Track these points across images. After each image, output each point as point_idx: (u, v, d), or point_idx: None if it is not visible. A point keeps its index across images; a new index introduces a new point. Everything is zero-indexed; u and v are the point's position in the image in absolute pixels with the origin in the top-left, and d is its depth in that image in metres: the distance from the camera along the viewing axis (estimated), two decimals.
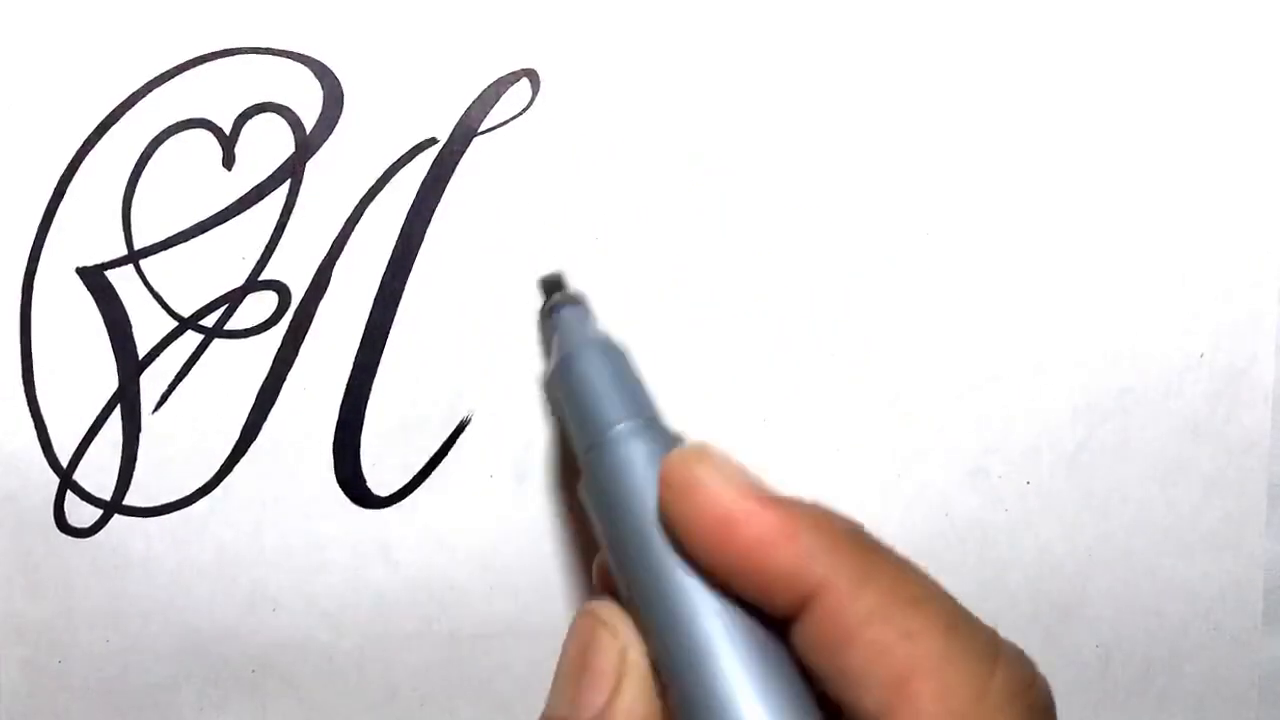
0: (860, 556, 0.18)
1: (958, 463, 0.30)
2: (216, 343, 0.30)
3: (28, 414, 0.30)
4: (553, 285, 0.28)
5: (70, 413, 0.30)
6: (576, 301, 0.27)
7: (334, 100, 0.29)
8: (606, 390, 0.23)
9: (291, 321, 0.30)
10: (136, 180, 0.29)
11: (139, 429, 0.30)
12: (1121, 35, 0.30)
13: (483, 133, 0.29)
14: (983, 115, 0.30)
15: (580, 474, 0.22)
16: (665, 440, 0.22)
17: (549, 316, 0.27)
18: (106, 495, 0.30)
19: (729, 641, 0.18)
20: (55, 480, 0.30)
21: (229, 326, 0.30)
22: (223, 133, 0.29)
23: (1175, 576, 0.31)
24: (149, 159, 0.29)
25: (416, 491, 0.30)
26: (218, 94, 0.29)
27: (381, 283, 0.30)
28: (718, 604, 0.19)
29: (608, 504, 0.21)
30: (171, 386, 0.30)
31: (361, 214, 0.29)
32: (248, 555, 0.30)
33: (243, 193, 0.29)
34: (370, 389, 0.30)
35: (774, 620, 0.19)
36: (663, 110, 0.30)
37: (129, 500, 0.30)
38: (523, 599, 0.30)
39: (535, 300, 0.29)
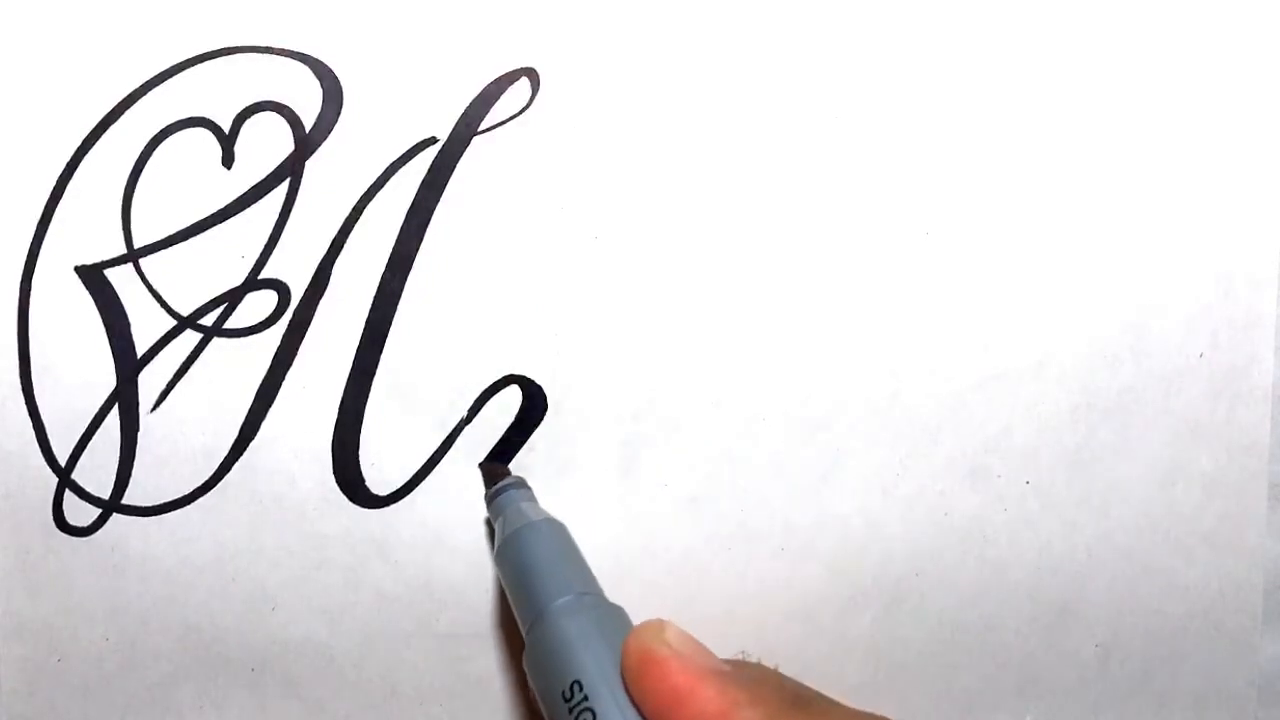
0: None
1: (958, 463, 0.30)
2: (215, 342, 0.30)
3: (26, 413, 0.30)
4: (494, 471, 0.30)
5: (69, 411, 0.30)
6: (518, 484, 0.29)
7: (333, 99, 0.29)
8: (546, 568, 0.25)
9: (291, 321, 0.30)
10: (136, 179, 0.29)
11: (137, 428, 0.30)
12: (1121, 35, 0.30)
13: (482, 132, 0.29)
14: (982, 115, 0.30)
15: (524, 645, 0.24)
16: (602, 611, 0.24)
17: (493, 500, 0.28)
18: (105, 494, 0.30)
19: None
20: (54, 479, 0.30)
21: (228, 325, 0.30)
22: (222, 131, 0.29)
23: (1175, 576, 0.31)
24: (148, 158, 0.29)
25: (415, 491, 0.30)
26: (217, 93, 0.29)
27: (381, 282, 0.30)
28: None
29: (548, 673, 0.23)
30: (170, 385, 0.30)
31: (361, 213, 0.29)
32: (246, 554, 0.30)
33: (242, 191, 0.29)
34: (369, 388, 0.30)
35: None
36: (663, 110, 0.29)
37: (128, 499, 0.30)
38: None
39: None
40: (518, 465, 0.30)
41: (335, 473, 0.30)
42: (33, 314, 0.30)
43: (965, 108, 0.30)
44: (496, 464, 0.30)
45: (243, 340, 0.30)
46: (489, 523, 0.30)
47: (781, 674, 0.23)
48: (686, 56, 0.29)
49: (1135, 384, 0.31)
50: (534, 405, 0.30)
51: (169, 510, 0.30)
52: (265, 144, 0.29)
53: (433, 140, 0.29)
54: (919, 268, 0.30)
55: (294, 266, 0.30)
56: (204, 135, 0.29)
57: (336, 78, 0.29)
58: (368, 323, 0.30)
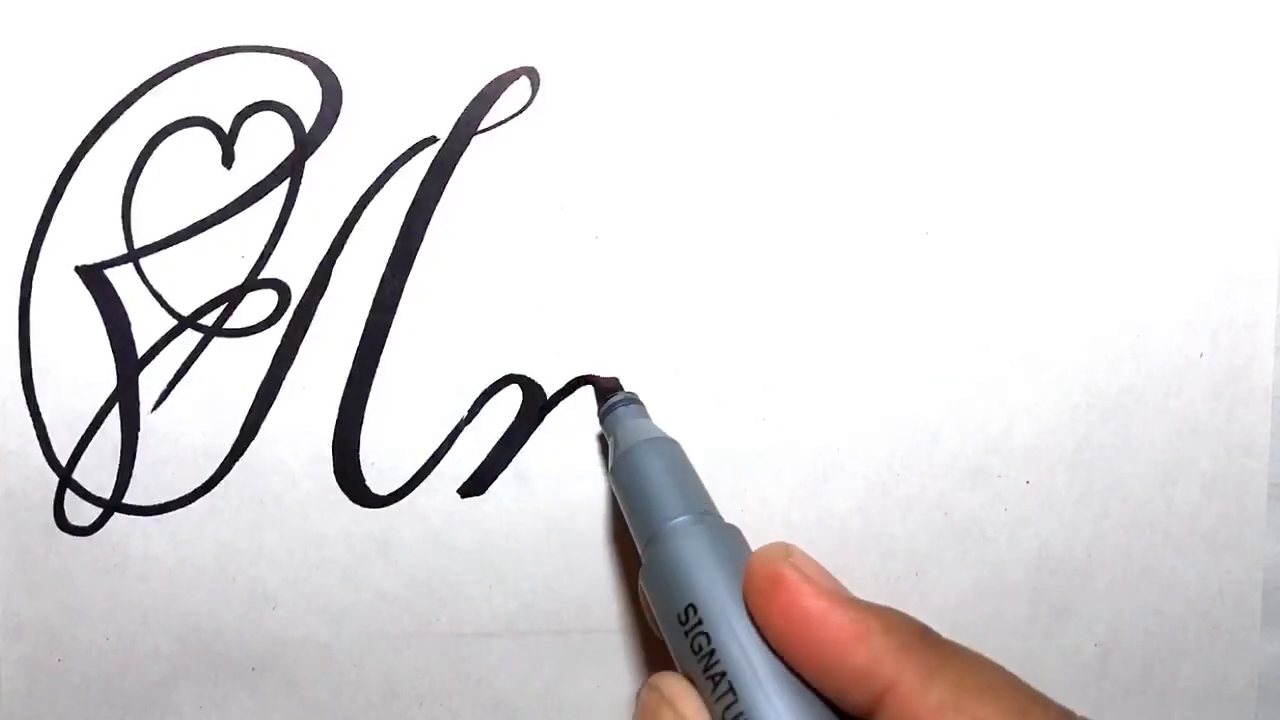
0: (927, 653, 0.19)
1: (958, 462, 0.30)
2: (216, 341, 0.30)
3: (27, 413, 0.30)
4: (605, 385, 0.29)
5: (69, 411, 0.30)
6: (631, 400, 0.28)
7: (333, 98, 0.29)
8: (663, 485, 0.25)
9: (291, 320, 0.30)
10: (136, 179, 0.29)
11: (138, 428, 0.30)
12: (1121, 36, 0.30)
13: (482, 131, 0.29)
14: (982, 115, 0.30)
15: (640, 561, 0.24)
16: (720, 531, 0.23)
17: (607, 415, 0.28)
18: (106, 494, 0.30)
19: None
20: (54, 479, 0.30)
21: (228, 325, 0.30)
22: (222, 131, 0.29)
23: (1174, 576, 0.31)
24: (148, 157, 0.29)
25: (415, 490, 0.30)
26: (217, 92, 0.29)
27: (381, 282, 0.30)
28: (794, 688, 0.20)
29: (681, 578, 0.22)
30: (171, 385, 0.30)
31: (361, 212, 0.29)
32: (247, 554, 0.30)
33: (242, 191, 0.29)
34: (369, 388, 0.30)
35: (849, 717, 0.20)
36: (663, 110, 0.29)
37: (128, 499, 0.30)
38: (522, 599, 0.30)
39: (588, 401, 0.30)
40: (517, 465, 0.30)
41: (335, 473, 0.30)
42: (33, 314, 0.30)
43: (965, 108, 0.30)
44: (609, 377, 0.29)
45: (243, 340, 0.30)
46: (601, 438, 0.30)
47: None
48: (686, 56, 0.29)
49: (1135, 384, 0.31)
50: (534, 405, 0.30)
51: (169, 510, 0.30)
52: (265, 143, 0.29)
53: (433, 140, 0.29)
54: (919, 268, 0.30)
55: (294, 266, 0.30)
56: (204, 135, 0.29)
57: (336, 77, 0.29)
58: (368, 322, 0.30)
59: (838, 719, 0.20)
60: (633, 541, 0.29)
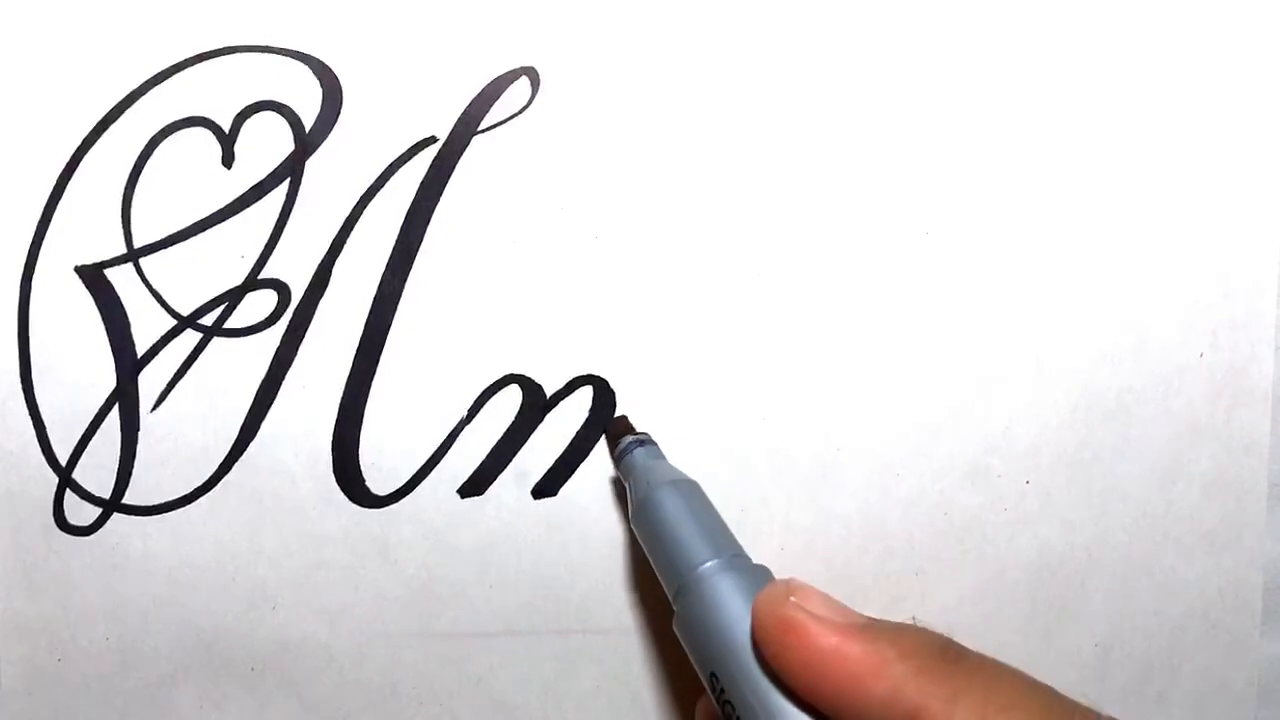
0: (950, 673, 0.19)
1: (958, 462, 0.30)
2: (215, 341, 0.30)
3: (26, 413, 0.30)
4: (618, 427, 0.29)
5: (69, 411, 0.30)
6: (645, 441, 0.28)
7: (333, 98, 0.29)
8: (687, 530, 0.24)
9: (291, 320, 0.30)
10: (136, 178, 0.29)
11: (138, 427, 0.30)
12: (1121, 36, 0.30)
13: (482, 131, 0.29)
14: (982, 115, 0.30)
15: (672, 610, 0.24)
16: (748, 574, 0.23)
17: (622, 459, 0.28)
18: (105, 494, 0.30)
19: None
20: (54, 479, 0.30)
21: (228, 325, 0.30)
22: (222, 131, 0.29)
23: (1174, 576, 0.31)
24: (148, 157, 0.29)
25: (415, 491, 0.30)
26: (217, 92, 0.29)
27: (381, 282, 0.30)
28: None
29: (702, 641, 0.22)
30: (170, 385, 0.30)
31: (361, 213, 0.29)
32: (246, 554, 0.30)
33: (242, 191, 0.29)
34: (369, 388, 0.30)
35: None
36: (663, 110, 0.29)
37: (128, 499, 0.30)
38: (522, 599, 0.30)
39: (605, 440, 0.30)
40: (517, 465, 0.30)
41: (335, 473, 0.30)
42: (33, 314, 0.30)
43: (965, 108, 0.30)
44: (620, 418, 0.29)
45: (243, 340, 0.30)
46: (616, 482, 0.30)
47: (923, 625, 0.21)
48: (687, 56, 0.29)
49: (1135, 384, 0.31)
50: (534, 405, 0.30)
51: (169, 510, 0.30)
52: (265, 143, 0.29)
53: (432, 140, 0.29)
54: (919, 268, 0.30)
55: (294, 266, 0.30)
56: (204, 135, 0.29)
57: (336, 77, 0.29)
58: (368, 323, 0.30)
59: None
60: (632, 542, 0.29)
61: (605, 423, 0.30)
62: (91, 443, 0.30)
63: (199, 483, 0.30)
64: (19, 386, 0.30)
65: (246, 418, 0.30)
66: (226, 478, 0.30)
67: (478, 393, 0.30)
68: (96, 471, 0.30)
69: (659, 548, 0.25)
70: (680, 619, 0.23)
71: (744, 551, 0.24)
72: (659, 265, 0.30)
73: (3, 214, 0.29)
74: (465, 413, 0.30)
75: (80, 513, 0.30)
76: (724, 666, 0.21)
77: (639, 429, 0.29)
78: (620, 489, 0.30)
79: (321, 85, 0.29)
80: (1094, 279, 0.30)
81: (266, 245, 0.29)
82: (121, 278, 0.30)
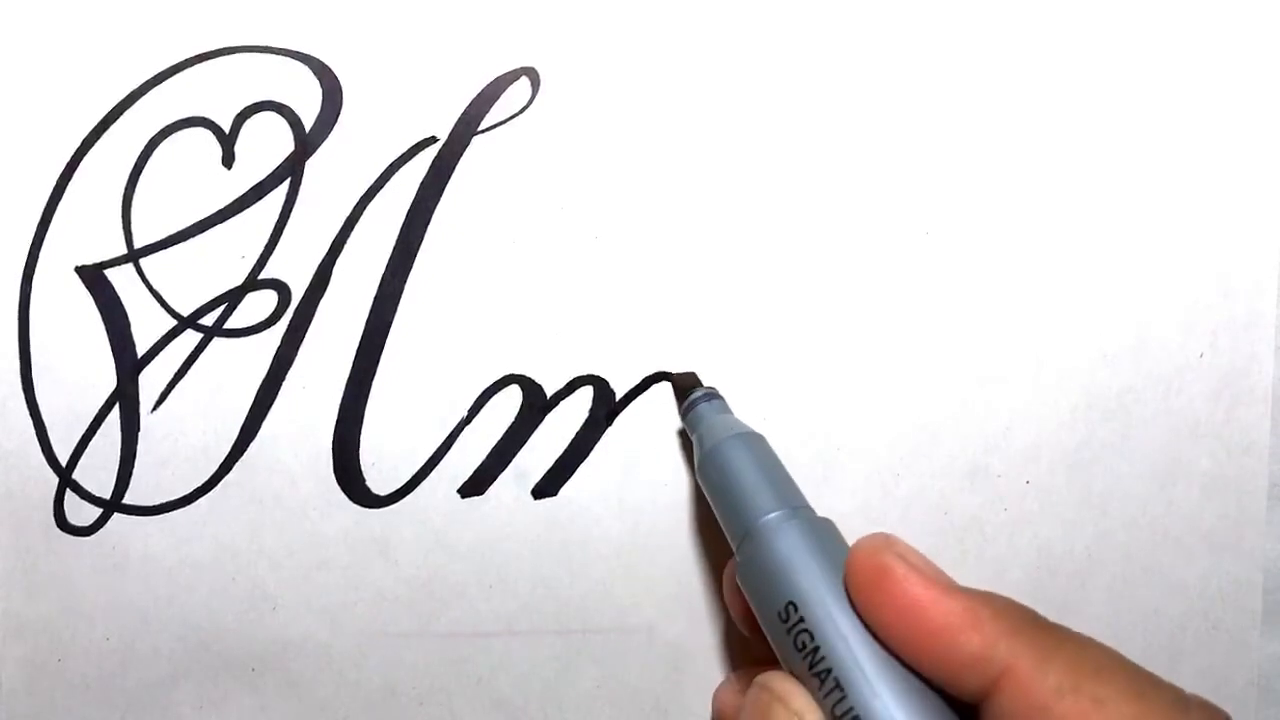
0: (1041, 636, 0.19)
1: (958, 462, 0.30)
2: (216, 341, 0.30)
3: (27, 413, 0.30)
4: (686, 381, 0.29)
5: (69, 411, 0.30)
6: (713, 395, 0.28)
7: (333, 99, 0.29)
8: (753, 481, 0.24)
9: (291, 320, 0.30)
10: (136, 179, 0.29)
11: (138, 428, 0.30)
12: (1121, 36, 0.30)
13: (482, 131, 0.29)
14: (982, 115, 0.30)
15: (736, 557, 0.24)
16: (815, 525, 0.23)
17: (689, 412, 0.28)
18: (106, 494, 0.30)
19: (916, 712, 0.19)
20: (54, 479, 0.30)
21: (228, 325, 0.30)
22: (222, 131, 0.29)
23: (1175, 576, 0.31)
24: (148, 157, 0.29)
25: (415, 491, 0.30)
26: (217, 92, 0.29)
27: (381, 282, 0.30)
28: (903, 679, 0.20)
29: (762, 593, 0.22)
30: (171, 385, 0.30)
31: (361, 213, 0.29)
32: (247, 554, 0.30)
33: (242, 191, 0.29)
34: (370, 388, 0.30)
35: (960, 703, 0.20)
36: (663, 110, 0.29)
37: (128, 499, 0.30)
38: (522, 599, 0.30)
39: (671, 398, 0.30)
40: (517, 465, 0.30)
41: (335, 473, 0.30)
42: (33, 314, 0.30)
43: (965, 108, 0.30)
44: (687, 373, 0.29)
45: (243, 340, 0.30)
46: (683, 434, 0.30)
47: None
48: (687, 56, 0.29)
49: (1135, 384, 0.31)
50: (534, 405, 0.30)
51: (169, 510, 0.30)
52: (265, 144, 0.29)
53: (433, 140, 0.29)
54: (919, 268, 0.30)
55: (294, 266, 0.30)
56: (204, 135, 0.29)
57: (336, 77, 0.29)
58: (368, 323, 0.30)
59: (947, 708, 0.20)
60: (634, 542, 0.29)
61: (606, 419, 0.30)
62: (92, 443, 0.30)
63: (199, 483, 0.30)
64: (19, 386, 0.30)
65: (247, 418, 0.30)
66: (227, 478, 0.30)
67: (478, 393, 0.30)
68: (96, 472, 0.30)
69: (724, 498, 0.25)
70: (746, 565, 0.23)
71: (810, 505, 0.24)
72: (659, 265, 0.30)
73: (3, 214, 0.29)
74: (465, 413, 0.30)
75: (80, 513, 0.30)
76: (806, 599, 0.21)
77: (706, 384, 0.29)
78: (686, 442, 0.29)
79: (321, 85, 0.29)
80: (1094, 279, 0.30)
81: (267, 245, 0.29)
82: (121, 278, 0.30)
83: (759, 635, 0.23)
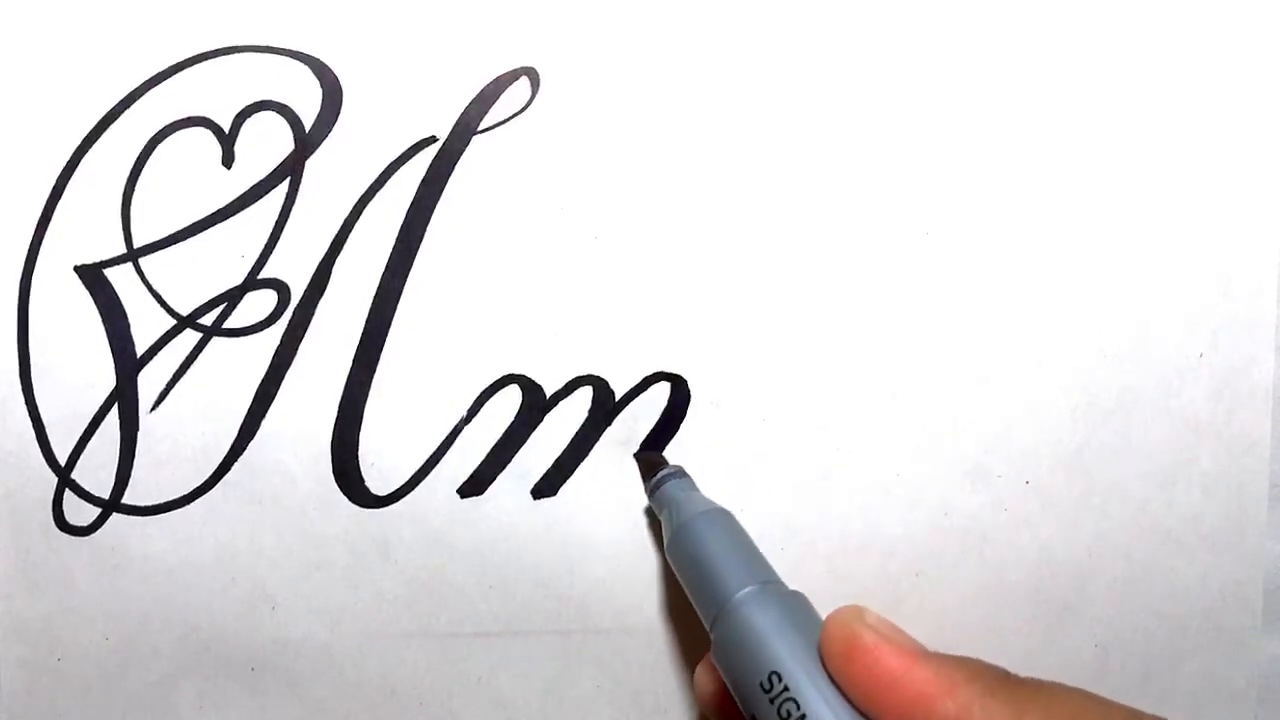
0: (1015, 693, 0.20)
1: (958, 463, 0.30)
2: (215, 341, 0.30)
3: (26, 413, 0.30)
4: (652, 461, 0.29)
5: (69, 411, 0.30)
6: (679, 474, 0.28)
7: (333, 98, 0.29)
8: (725, 558, 0.25)
9: (290, 320, 0.30)
10: (135, 178, 0.29)
11: (137, 428, 0.30)
12: (1121, 36, 0.30)
13: (482, 131, 0.29)
14: (982, 115, 0.30)
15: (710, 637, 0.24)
16: (788, 599, 0.23)
17: (655, 491, 0.28)
18: (105, 494, 0.30)
19: None
20: (54, 479, 0.30)
21: (228, 325, 0.30)
22: (222, 131, 0.29)
23: (1175, 576, 0.31)
24: (148, 157, 0.29)
25: (415, 491, 0.30)
26: (217, 92, 0.29)
27: (381, 282, 0.30)
28: None
29: (742, 665, 0.22)
30: (170, 385, 0.30)
31: (361, 212, 0.29)
32: (246, 554, 0.30)
33: (242, 191, 0.29)
34: (369, 388, 0.30)
35: None
36: (663, 110, 0.29)
37: (127, 499, 0.30)
38: (522, 598, 0.30)
39: (642, 457, 0.30)
40: (517, 465, 0.30)
41: (335, 473, 0.30)
42: (33, 314, 0.30)
43: (965, 108, 0.30)
44: (653, 453, 0.30)
45: (243, 339, 0.30)
46: (649, 512, 0.30)
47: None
48: (687, 56, 0.29)
49: (1135, 384, 0.31)
50: (534, 405, 0.30)
51: (169, 510, 0.30)
52: (265, 143, 0.29)
53: (432, 140, 0.29)
54: (919, 268, 0.30)
55: (294, 266, 0.30)
56: (204, 135, 0.29)
57: (336, 77, 0.29)
58: (367, 323, 0.30)
59: None
60: (634, 541, 0.29)
61: (606, 419, 0.30)
62: (91, 443, 0.30)
63: (198, 483, 0.30)
64: (19, 386, 0.30)
65: (246, 418, 0.30)
66: (226, 478, 0.30)
67: (477, 393, 0.30)
68: (96, 471, 0.30)
69: (695, 576, 0.25)
70: (722, 641, 0.23)
71: (781, 580, 0.25)
72: (659, 265, 0.30)
73: (3, 214, 0.29)
74: (465, 413, 0.30)
75: (80, 513, 0.30)
76: (789, 668, 0.21)
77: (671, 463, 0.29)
78: (654, 521, 0.30)
79: (321, 85, 0.29)
80: (1094, 279, 0.30)
81: (266, 245, 0.29)
82: (121, 277, 0.30)
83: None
